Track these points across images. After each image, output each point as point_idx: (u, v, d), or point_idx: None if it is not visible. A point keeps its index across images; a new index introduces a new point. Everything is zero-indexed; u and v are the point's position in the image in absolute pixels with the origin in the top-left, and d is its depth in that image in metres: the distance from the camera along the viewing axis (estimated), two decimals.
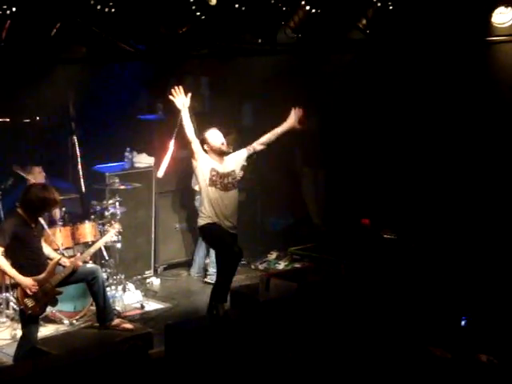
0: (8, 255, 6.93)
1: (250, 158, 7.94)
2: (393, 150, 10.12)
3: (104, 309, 7.39)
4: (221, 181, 7.60)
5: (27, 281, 6.87)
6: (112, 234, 7.95)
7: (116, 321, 7.47)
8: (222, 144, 7.67)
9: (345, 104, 10.53)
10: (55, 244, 7.90)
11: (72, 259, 7.34)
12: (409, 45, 9.15)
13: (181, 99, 7.50)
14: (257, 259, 10.03)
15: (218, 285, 7.71)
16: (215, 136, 7.67)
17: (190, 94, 7.54)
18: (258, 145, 7.83)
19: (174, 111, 9.79)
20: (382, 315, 7.18)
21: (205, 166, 7.58)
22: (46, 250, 7.36)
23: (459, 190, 9.46)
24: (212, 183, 7.58)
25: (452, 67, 9.37)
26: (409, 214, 9.62)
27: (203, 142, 7.65)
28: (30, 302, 6.88)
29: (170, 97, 7.54)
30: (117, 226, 7.97)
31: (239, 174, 7.80)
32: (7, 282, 7.98)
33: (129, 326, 7.50)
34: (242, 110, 10.62)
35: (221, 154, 7.66)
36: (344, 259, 9.15)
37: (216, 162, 7.64)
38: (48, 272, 7.00)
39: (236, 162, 7.75)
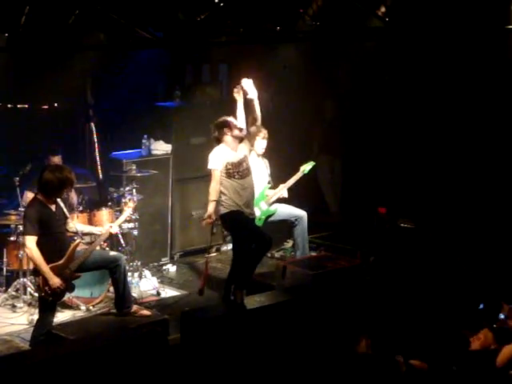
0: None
1: (251, 141, 8.01)
2: (410, 139, 10.07)
3: (123, 296, 7.39)
4: (237, 170, 7.59)
5: (56, 280, 6.85)
6: (130, 211, 7.89)
7: (134, 307, 7.48)
8: (241, 129, 7.66)
9: (363, 92, 10.49)
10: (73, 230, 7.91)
11: (106, 227, 7.40)
12: (428, 33, 9.07)
13: (251, 87, 7.51)
14: (273, 247, 10.02)
15: (240, 271, 7.67)
16: (235, 122, 7.66)
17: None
18: (251, 128, 7.82)
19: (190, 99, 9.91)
20: (399, 303, 7.18)
21: (221, 159, 7.57)
22: (86, 228, 7.50)
23: (478, 179, 9.40)
24: (229, 175, 7.58)
25: (471, 55, 9.30)
26: (426, 202, 9.58)
27: (225, 125, 7.62)
28: (50, 290, 6.89)
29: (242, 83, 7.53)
30: (131, 204, 7.91)
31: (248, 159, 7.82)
32: (25, 267, 8.02)
33: (146, 312, 7.51)
34: (260, 97, 10.55)
35: (236, 140, 7.64)
36: (360, 248, 9.16)
37: (231, 150, 7.62)
38: (67, 257, 7.00)
39: (244, 148, 7.74)
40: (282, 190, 8.91)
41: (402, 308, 7.16)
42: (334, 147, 11.06)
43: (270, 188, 8.83)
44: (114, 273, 7.32)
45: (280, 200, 8.95)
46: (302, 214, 9.00)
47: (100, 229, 7.48)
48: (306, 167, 8.97)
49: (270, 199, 8.79)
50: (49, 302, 6.93)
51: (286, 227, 9.21)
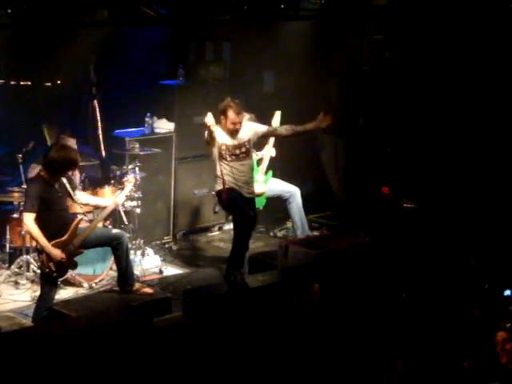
0: (36, 218, 6.96)
1: (264, 137, 7.95)
2: (413, 119, 10.02)
3: (125, 273, 7.41)
4: (231, 153, 7.57)
5: (57, 252, 6.87)
6: (131, 186, 7.87)
7: (136, 285, 7.50)
8: (237, 124, 7.59)
9: (366, 72, 10.44)
10: (75, 207, 7.92)
11: (113, 199, 7.47)
12: (434, 11, 9.01)
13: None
14: (275, 226, 10.03)
15: (234, 251, 7.71)
16: (234, 116, 7.56)
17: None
18: (281, 130, 7.89)
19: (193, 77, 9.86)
20: (401, 284, 7.18)
21: (217, 139, 7.53)
22: (93, 199, 7.55)
23: (482, 160, 9.37)
24: (221, 157, 7.55)
25: (477, 36, 9.23)
26: (429, 182, 9.55)
27: (222, 111, 7.59)
28: (54, 266, 6.91)
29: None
30: (131, 179, 7.88)
31: (252, 143, 7.77)
32: (27, 244, 8.03)
33: (149, 290, 7.52)
34: (264, 76, 10.55)
35: (231, 132, 7.60)
36: (363, 228, 9.16)
37: (227, 135, 7.59)
38: (70, 233, 7.02)
39: (251, 132, 7.69)
40: (270, 151, 8.83)
41: (402, 289, 7.16)
42: (337, 128, 11.02)
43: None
44: (116, 250, 7.34)
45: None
46: (295, 189, 8.99)
47: (107, 200, 7.50)
48: (276, 120, 8.62)
49: (262, 167, 8.73)
50: (52, 278, 6.95)
51: (283, 207, 9.17)
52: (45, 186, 6.96)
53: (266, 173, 8.79)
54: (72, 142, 8.54)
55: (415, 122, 10.00)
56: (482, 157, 9.31)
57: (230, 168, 7.55)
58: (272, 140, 8.75)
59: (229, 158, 7.56)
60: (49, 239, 6.90)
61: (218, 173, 7.58)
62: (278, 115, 8.66)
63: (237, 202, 7.60)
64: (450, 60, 9.52)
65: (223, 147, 7.53)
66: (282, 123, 8.47)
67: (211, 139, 7.44)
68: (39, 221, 6.91)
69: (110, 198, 8.38)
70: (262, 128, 7.83)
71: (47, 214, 6.95)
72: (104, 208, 7.45)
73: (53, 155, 6.94)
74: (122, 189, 8.32)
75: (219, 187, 7.63)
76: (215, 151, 7.55)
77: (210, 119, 7.38)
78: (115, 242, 7.32)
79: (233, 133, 7.59)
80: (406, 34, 9.77)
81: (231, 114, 7.53)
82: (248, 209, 7.61)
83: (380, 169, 10.07)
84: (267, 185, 8.76)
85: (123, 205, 8.40)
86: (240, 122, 7.59)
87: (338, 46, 10.38)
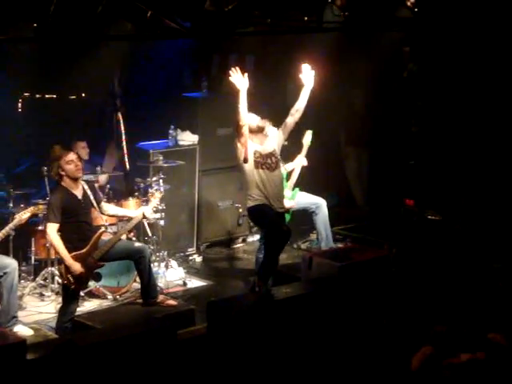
0: (58, 229, 7.00)
1: (285, 133, 7.83)
2: (437, 130, 9.99)
3: (148, 286, 7.43)
4: (265, 161, 7.59)
5: (76, 265, 6.91)
6: (157, 201, 7.89)
7: (160, 297, 7.50)
8: (259, 121, 7.64)
9: (390, 83, 10.42)
10: (100, 219, 7.95)
11: (139, 211, 7.50)
12: (458, 23, 8.98)
13: (240, 79, 7.40)
14: (299, 239, 10.01)
15: (265, 264, 7.70)
16: (251, 118, 7.63)
17: (246, 75, 7.43)
18: (288, 118, 7.77)
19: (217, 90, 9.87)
20: (426, 296, 7.13)
21: (249, 149, 7.56)
22: (120, 211, 7.62)
23: (506, 172, 9.30)
24: (257, 165, 7.57)
25: (504, 48, 9.18)
26: (454, 195, 9.50)
27: (235, 130, 7.61)
28: (72, 278, 6.93)
29: (230, 78, 7.44)
30: (158, 194, 7.91)
31: (278, 152, 7.77)
32: (52, 256, 8.07)
33: (173, 302, 7.53)
34: (287, 89, 10.53)
35: (260, 131, 7.62)
36: (387, 240, 9.11)
37: (257, 144, 7.63)
38: (91, 246, 7.04)
39: (274, 141, 7.73)
40: (301, 161, 8.76)
41: (425, 301, 7.11)
42: (361, 139, 11.00)
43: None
44: (138, 264, 7.35)
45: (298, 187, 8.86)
46: (321, 201, 8.98)
47: (135, 212, 7.51)
48: (307, 138, 8.72)
49: (291, 182, 8.70)
50: (71, 289, 6.97)
51: (308, 219, 9.15)
52: (66, 196, 7.02)
53: (293, 188, 8.75)
54: (82, 145, 8.59)
55: (439, 134, 9.96)
56: (508, 169, 9.24)
57: (266, 177, 7.56)
58: (304, 150, 8.74)
59: (264, 166, 7.58)
60: (70, 250, 6.94)
61: (250, 189, 7.57)
62: (309, 134, 8.71)
63: (270, 217, 7.60)
64: (475, 72, 9.48)
65: (257, 154, 7.57)
66: (312, 141, 8.58)
67: (240, 133, 7.41)
68: (62, 231, 6.96)
69: (135, 210, 8.43)
70: (277, 132, 7.81)
71: (69, 224, 7.00)
72: (129, 220, 7.47)
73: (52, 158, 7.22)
74: (147, 201, 8.38)
75: (252, 204, 7.61)
76: (248, 165, 7.55)
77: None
78: (137, 256, 7.34)
79: (261, 133, 7.63)
80: (430, 46, 9.74)
81: (251, 116, 7.56)
82: (281, 223, 7.63)
83: (404, 181, 10.03)
84: (294, 200, 8.73)
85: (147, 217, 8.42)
86: (259, 121, 7.63)
87: (363, 57, 10.36)
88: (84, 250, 7.01)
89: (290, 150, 8.69)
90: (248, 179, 7.62)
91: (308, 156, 9.16)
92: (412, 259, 8.18)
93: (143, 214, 7.46)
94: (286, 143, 8.00)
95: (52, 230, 6.92)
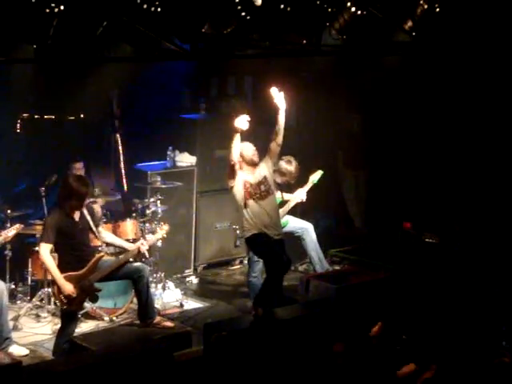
0: (54, 249, 7.01)
1: (273, 158, 7.81)
2: (435, 153, 10.02)
3: (146, 306, 7.41)
4: (255, 191, 7.60)
5: (67, 287, 6.90)
6: (163, 234, 7.90)
7: (157, 319, 7.49)
8: (254, 155, 7.65)
9: (387, 106, 10.46)
10: (97, 241, 7.94)
11: (137, 244, 7.42)
12: (455, 48, 9.03)
13: (242, 122, 7.41)
14: (297, 261, 9.99)
15: (264, 291, 7.69)
16: (247, 147, 7.67)
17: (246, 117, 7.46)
18: (271, 144, 7.74)
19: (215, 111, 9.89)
20: (424, 319, 7.12)
21: (239, 182, 7.58)
22: (118, 240, 7.50)
23: (504, 193, 9.32)
24: (249, 195, 7.59)
25: (501, 72, 9.22)
26: (451, 217, 9.51)
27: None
28: (64, 299, 6.93)
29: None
30: (165, 227, 7.91)
31: (271, 179, 7.77)
32: (49, 277, 8.04)
33: (170, 324, 7.52)
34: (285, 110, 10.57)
35: (252, 164, 7.64)
36: (385, 262, 9.11)
37: (248, 173, 7.64)
38: (88, 269, 7.03)
39: (265, 169, 7.74)
40: (300, 195, 8.70)
41: (424, 321, 7.10)
42: (358, 161, 11.03)
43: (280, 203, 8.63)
44: (137, 283, 7.34)
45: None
46: (308, 225, 8.94)
47: (131, 245, 7.49)
48: (315, 177, 8.81)
49: (283, 212, 8.57)
50: (64, 310, 6.97)
51: (298, 243, 9.11)
52: (63, 218, 7.01)
53: (283, 219, 8.67)
54: (78, 166, 8.61)
55: (437, 157, 9.99)
56: (506, 191, 9.27)
57: (258, 209, 7.57)
58: (308, 186, 8.74)
59: (255, 196, 7.58)
60: (68, 271, 6.93)
61: (246, 220, 7.58)
62: (318, 174, 8.79)
63: (268, 247, 7.60)
64: (473, 94, 9.53)
65: (247, 185, 7.58)
66: (319, 180, 8.75)
67: (232, 171, 7.46)
68: (59, 252, 6.97)
69: (131, 231, 8.44)
70: (265, 159, 7.80)
71: (65, 246, 7.00)
72: (126, 250, 7.43)
73: (62, 185, 7.10)
74: (144, 222, 8.40)
75: (248, 234, 7.62)
76: (240, 195, 7.56)
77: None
78: (136, 275, 7.33)
79: (253, 166, 7.61)
80: (428, 69, 9.79)
81: (244, 148, 7.60)
82: (281, 253, 7.62)
83: (402, 203, 10.05)
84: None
85: (144, 237, 8.42)
86: (254, 154, 7.64)
87: (360, 80, 10.41)
88: (79, 272, 7.00)
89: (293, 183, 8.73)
90: (243, 211, 7.63)
91: (305, 177, 9.19)
92: (409, 282, 8.17)
93: (138, 250, 7.36)
94: (275, 168, 7.99)
95: (44, 249, 6.93)
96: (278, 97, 7.65)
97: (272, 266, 7.61)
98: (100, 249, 7.94)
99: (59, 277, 6.90)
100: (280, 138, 7.67)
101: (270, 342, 6.74)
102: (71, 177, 7.22)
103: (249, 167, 7.66)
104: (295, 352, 6.69)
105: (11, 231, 7.41)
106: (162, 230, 7.79)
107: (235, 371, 6.43)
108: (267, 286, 7.65)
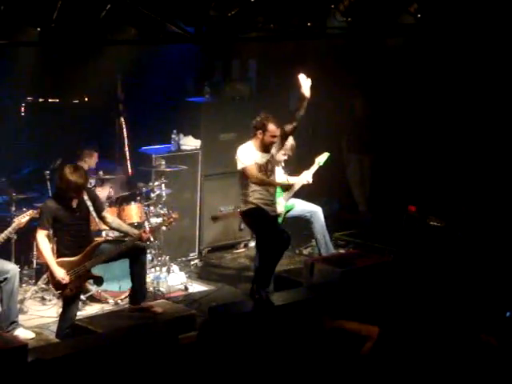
0: (53, 235, 7.03)
1: (284, 139, 7.89)
2: (439, 136, 9.99)
3: (139, 291, 7.40)
4: (262, 169, 7.62)
5: (59, 273, 6.91)
6: (167, 224, 7.88)
7: (147, 304, 7.47)
8: (276, 137, 7.64)
9: (392, 89, 10.43)
10: (101, 226, 7.94)
11: (141, 231, 7.38)
12: (461, 30, 8.99)
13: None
14: (301, 244, 10.01)
15: (262, 270, 7.70)
16: (274, 128, 7.64)
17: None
18: (287, 126, 7.81)
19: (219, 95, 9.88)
20: (428, 303, 7.12)
21: (250, 157, 7.59)
22: (124, 226, 7.45)
23: (509, 178, 9.31)
24: (260, 170, 7.62)
25: (507, 55, 9.18)
26: (456, 201, 9.49)
27: (260, 126, 7.61)
28: (57, 283, 6.96)
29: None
30: (175, 215, 7.90)
31: (275, 159, 7.79)
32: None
33: (159, 309, 7.44)
34: (290, 94, 10.55)
35: (270, 143, 7.64)
36: (389, 246, 9.11)
37: (256, 151, 7.64)
38: (84, 255, 7.03)
39: (274, 147, 7.75)
40: (307, 177, 8.68)
41: (424, 307, 7.10)
42: (363, 145, 11.00)
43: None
44: (135, 261, 7.29)
45: (297, 194, 8.82)
46: (317, 209, 8.94)
47: (135, 231, 7.47)
48: (321, 158, 8.79)
49: (288, 195, 8.64)
50: (59, 295, 6.99)
51: (306, 226, 9.13)
52: (59, 206, 7.00)
53: (288, 200, 8.65)
54: (94, 156, 8.60)
55: (442, 140, 9.96)
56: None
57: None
58: (313, 168, 8.71)
59: (262, 174, 7.61)
60: (67, 257, 6.95)
61: (246, 193, 7.59)
62: (325, 156, 8.77)
63: (268, 223, 7.61)
64: (478, 78, 9.49)
65: (258, 162, 7.60)
66: (325, 163, 8.72)
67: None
68: (58, 238, 7.00)
69: (136, 215, 8.42)
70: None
71: (62, 232, 7.02)
72: (129, 235, 7.41)
73: (59, 176, 7.05)
74: (149, 205, 8.39)
75: (245, 207, 7.63)
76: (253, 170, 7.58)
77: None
78: (134, 252, 7.28)
79: (268, 148, 7.61)
80: (433, 52, 9.75)
81: (272, 126, 7.58)
82: (282, 230, 7.62)
83: (407, 186, 10.03)
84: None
85: (149, 221, 8.43)
86: (276, 137, 7.63)
87: (364, 63, 10.37)
88: (73, 259, 7.01)
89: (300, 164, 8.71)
90: (245, 182, 7.63)
91: (311, 163, 9.19)
92: (413, 265, 8.16)
93: (141, 237, 7.29)
94: (281, 147, 8.02)
95: (40, 234, 6.97)
96: (305, 84, 7.64)
97: (273, 243, 7.61)
98: (104, 233, 7.96)
99: (52, 262, 6.94)
100: (298, 124, 7.74)
101: (274, 325, 6.75)
102: (67, 168, 6.99)
103: (262, 146, 7.64)
104: (299, 336, 6.70)
105: (25, 217, 7.38)
106: (170, 221, 7.73)
107: (237, 355, 6.44)
108: (267, 265, 7.65)
